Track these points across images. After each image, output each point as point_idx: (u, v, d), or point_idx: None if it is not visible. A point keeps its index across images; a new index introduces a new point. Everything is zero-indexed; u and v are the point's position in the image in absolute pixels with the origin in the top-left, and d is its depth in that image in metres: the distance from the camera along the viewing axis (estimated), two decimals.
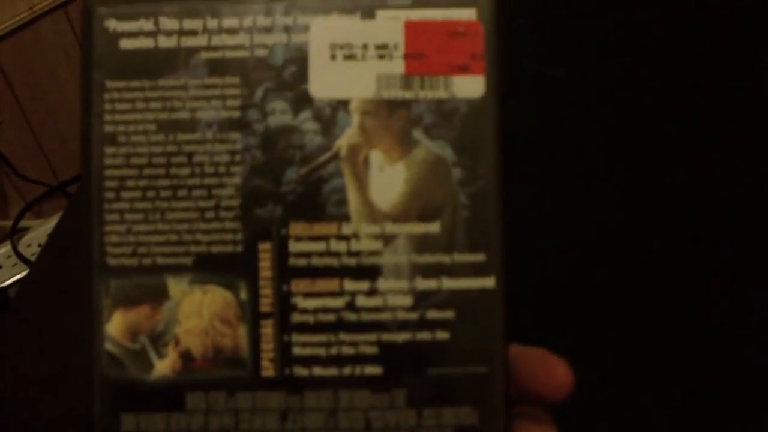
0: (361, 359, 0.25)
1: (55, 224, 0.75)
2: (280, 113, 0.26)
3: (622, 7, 0.69)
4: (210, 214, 0.26)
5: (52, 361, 0.59)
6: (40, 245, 1.03)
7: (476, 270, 0.26)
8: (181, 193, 0.26)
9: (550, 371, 0.26)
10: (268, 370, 0.26)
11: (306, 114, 0.26)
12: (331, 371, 0.25)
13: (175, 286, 0.26)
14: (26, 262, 1.00)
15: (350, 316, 0.26)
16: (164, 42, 0.26)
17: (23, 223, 1.09)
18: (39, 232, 1.06)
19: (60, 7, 1.02)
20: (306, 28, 0.26)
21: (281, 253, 0.26)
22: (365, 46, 0.26)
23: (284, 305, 0.26)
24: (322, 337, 0.26)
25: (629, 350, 0.53)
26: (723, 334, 0.53)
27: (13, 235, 1.06)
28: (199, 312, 0.26)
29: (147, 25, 0.27)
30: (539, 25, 0.69)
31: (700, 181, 0.60)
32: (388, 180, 0.26)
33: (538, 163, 0.61)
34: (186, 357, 0.26)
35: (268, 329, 0.26)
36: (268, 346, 0.26)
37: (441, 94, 0.26)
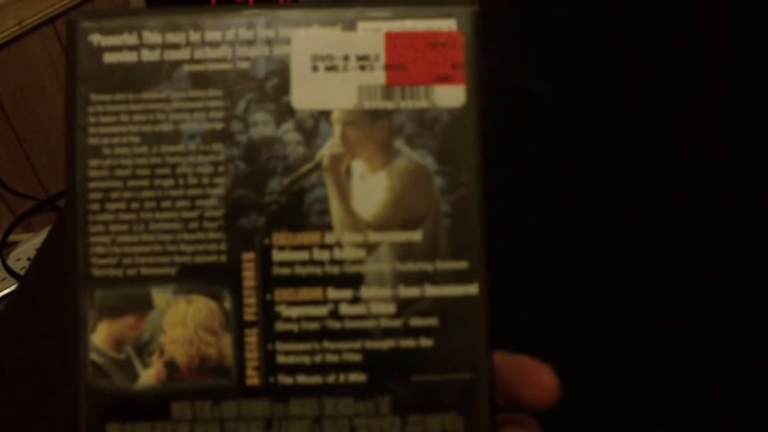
0: (345, 367, 0.26)
1: (45, 238, 0.75)
2: (262, 125, 0.26)
3: (608, 24, 0.70)
4: (194, 225, 0.26)
5: (42, 374, 0.59)
6: (29, 259, 1.03)
7: (459, 277, 0.26)
8: (165, 204, 0.26)
9: (536, 378, 0.26)
10: (252, 379, 0.26)
11: (288, 125, 0.26)
12: (316, 379, 0.26)
13: (160, 296, 0.26)
14: (15, 275, 1.00)
15: (334, 324, 0.26)
16: (147, 55, 0.27)
17: (12, 237, 1.09)
18: (28, 246, 1.06)
19: (48, 22, 1.02)
20: (288, 41, 0.27)
21: (265, 263, 0.26)
22: (346, 58, 0.26)
23: (268, 314, 0.26)
24: (306, 346, 0.26)
25: (624, 352, 0.53)
26: (722, 335, 0.53)
27: (2, 249, 1.06)
28: (183, 322, 0.26)
29: (130, 39, 0.27)
30: (525, 42, 0.69)
31: (690, 186, 0.61)
32: (370, 189, 0.26)
33: (525, 170, 0.62)
34: (171, 366, 0.26)
35: (252, 338, 0.26)
36: (252, 355, 0.26)
37: (422, 104, 0.26)
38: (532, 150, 0.62)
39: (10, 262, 1.03)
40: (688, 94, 0.65)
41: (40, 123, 1.06)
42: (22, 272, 1.00)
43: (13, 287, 0.99)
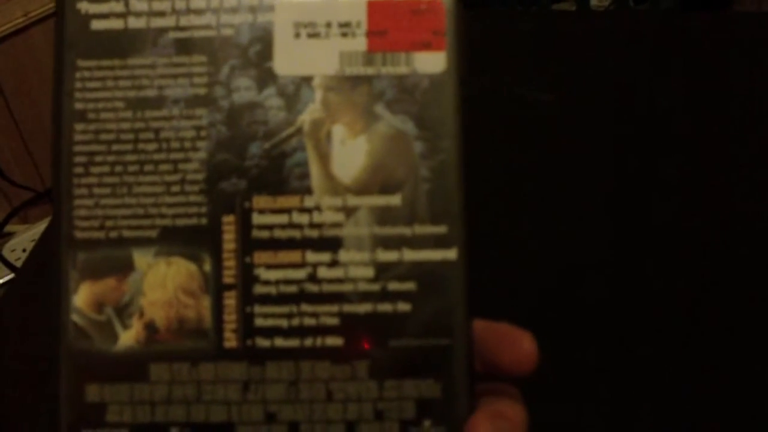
0: (322, 330, 0.26)
1: (44, 229, 0.75)
2: (245, 90, 0.27)
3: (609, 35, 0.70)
4: (175, 188, 0.26)
5: (37, 365, 0.59)
6: (24, 250, 1.03)
7: (437, 242, 0.26)
8: (148, 167, 0.27)
9: (515, 345, 0.26)
10: (230, 341, 0.26)
11: (270, 90, 0.27)
12: (293, 342, 0.26)
13: (141, 258, 0.26)
14: (10, 266, 1.01)
15: (312, 288, 0.26)
16: (134, 23, 0.27)
17: (9, 228, 1.09)
18: (24, 237, 1.06)
19: (54, 15, 1.03)
20: (271, 8, 0.27)
21: (245, 226, 0.26)
22: (329, 24, 0.27)
23: (247, 277, 0.26)
24: (284, 309, 0.26)
25: (623, 355, 0.53)
26: (723, 337, 0.53)
27: None
28: (163, 284, 0.26)
29: (117, 6, 0.27)
30: (526, 53, 0.70)
31: (690, 192, 0.61)
32: (350, 154, 0.26)
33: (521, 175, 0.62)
34: (150, 328, 0.26)
35: (231, 300, 0.26)
36: (230, 318, 0.26)
37: (402, 69, 0.26)
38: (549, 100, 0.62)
39: (6, 252, 1.04)
40: (688, 104, 0.66)
41: (41, 115, 1.07)
42: (17, 263, 1.01)
43: (8, 277, 0.99)
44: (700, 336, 0.54)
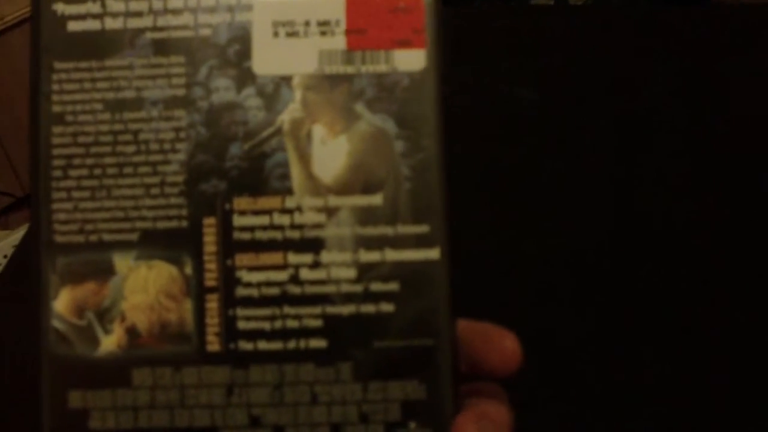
0: (305, 332, 0.26)
1: (23, 235, 0.75)
2: (223, 90, 0.26)
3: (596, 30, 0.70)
4: (155, 191, 0.26)
5: (18, 371, 0.59)
6: (5, 256, 1.03)
7: (420, 241, 0.26)
8: (127, 170, 0.26)
9: (498, 344, 0.26)
10: (213, 345, 0.26)
11: (249, 90, 0.26)
12: (276, 345, 0.26)
13: (121, 261, 0.26)
14: None
15: (294, 290, 0.26)
16: (111, 23, 0.27)
17: None
18: (4, 243, 1.06)
19: (30, 20, 1.02)
20: (249, 7, 0.27)
21: (225, 228, 0.26)
22: (307, 23, 0.26)
23: (229, 279, 0.26)
24: (266, 311, 0.26)
25: (625, 355, 0.53)
26: (724, 337, 0.53)
27: None
28: (144, 287, 0.26)
29: (94, 7, 0.27)
30: (512, 49, 0.69)
31: (681, 190, 0.61)
32: (331, 153, 0.26)
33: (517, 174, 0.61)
34: (132, 333, 0.26)
35: (213, 304, 0.26)
36: (213, 321, 0.26)
37: (382, 68, 0.26)
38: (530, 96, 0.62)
39: None
40: (670, 96, 0.65)
41: (19, 120, 1.06)
42: None
43: None
44: (701, 333, 0.53)
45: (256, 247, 0.26)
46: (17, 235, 1.05)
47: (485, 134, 0.61)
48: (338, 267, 0.26)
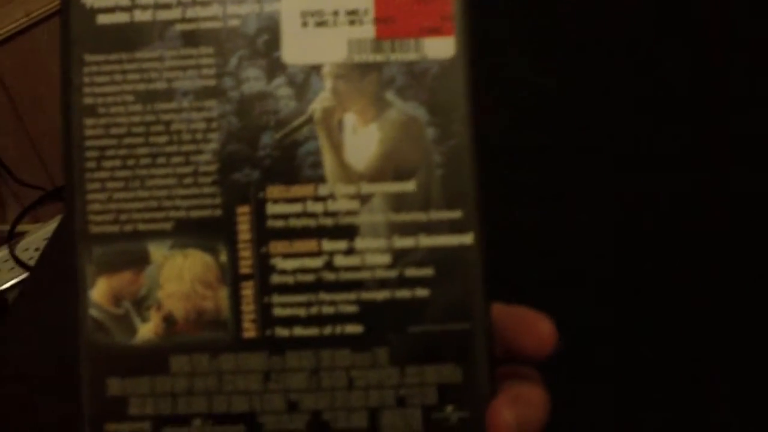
0: (341, 318, 0.26)
1: (56, 227, 0.75)
2: (254, 80, 0.27)
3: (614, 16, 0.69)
4: (188, 180, 0.26)
5: (53, 363, 0.59)
6: (37, 249, 1.03)
7: (453, 227, 0.26)
8: (160, 160, 0.27)
9: (533, 328, 0.26)
10: (249, 332, 0.26)
11: (279, 80, 0.26)
12: (312, 331, 0.26)
13: (157, 251, 0.26)
14: (24, 266, 1.01)
15: (329, 276, 0.26)
16: (140, 16, 0.27)
17: (20, 228, 1.09)
18: (36, 236, 1.06)
19: (56, 14, 1.03)
20: None
21: (259, 216, 0.26)
22: (336, 13, 0.27)
23: (263, 267, 0.26)
24: (301, 298, 0.26)
25: (629, 353, 0.53)
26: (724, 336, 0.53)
27: (11, 239, 1.07)
28: (180, 276, 0.26)
29: (123, 0, 0.27)
30: (529, 35, 0.69)
31: (695, 181, 0.61)
32: (362, 141, 0.26)
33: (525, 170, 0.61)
34: (168, 320, 0.26)
35: (248, 291, 0.26)
36: (248, 308, 0.26)
37: (412, 56, 0.26)
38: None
39: (19, 252, 1.04)
40: (691, 92, 0.65)
41: (47, 113, 1.07)
42: (30, 262, 1.01)
43: (21, 277, 0.99)
44: (700, 331, 0.53)
45: (290, 234, 0.26)
46: (49, 228, 1.06)
47: (499, 119, 0.61)
48: (372, 253, 0.26)
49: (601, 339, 0.53)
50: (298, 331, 0.26)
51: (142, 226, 0.26)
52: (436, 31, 0.26)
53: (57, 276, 0.68)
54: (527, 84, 0.65)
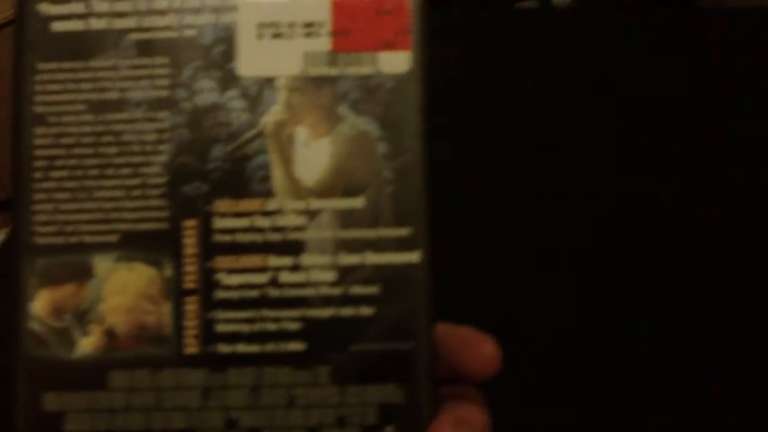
0: (284, 335, 0.25)
1: (3, 238, 0.75)
2: (207, 91, 0.26)
3: None
4: (136, 192, 0.26)
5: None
6: None
7: (400, 245, 0.25)
8: (109, 171, 0.26)
9: (477, 349, 0.26)
10: (191, 347, 0.25)
11: (233, 92, 0.26)
12: (254, 348, 0.25)
13: (101, 263, 0.26)
14: None
15: (274, 292, 0.25)
16: (95, 24, 0.27)
17: None
18: None
19: (12, 23, 1.03)
20: (234, 8, 0.26)
21: (206, 230, 0.26)
22: (292, 25, 0.26)
23: (208, 282, 0.25)
24: (245, 314, 0.25)
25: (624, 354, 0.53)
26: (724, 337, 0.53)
27: None
28: (124, 289, 0.26)
29: (78, 7, 0.27)
30: (493, 51, 0.69)
31: (683, 189, 0.60)
32: (313, 156, 0.26)
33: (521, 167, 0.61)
34: (110, 335, 0.25)
35: (191, 306, 0.25)
36: (191, 323, 0.25)
37: (367, 70, 0.26)
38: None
39: None
40: (654, 99, 0.65)
41: (2, 122, 1.06)
42: None
43: None
44: (700, 331, 0.53)
45: (237, 249, 0.26)
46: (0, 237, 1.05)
47: (474, 134, 0.61)
48: (318, 270, 0.25)
49: (601, 339, 0.53)
50: (241, 347, 0.25)
51: (87, 238, 0.26)
52: (391, 46, 0.26)
53: (3, 286, 0.67)
54: (500, 97, 0.65)
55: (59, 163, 0.26)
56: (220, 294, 0.25)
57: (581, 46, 0.66)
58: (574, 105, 0.64)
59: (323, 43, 0.26)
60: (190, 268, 0.26)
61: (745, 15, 0.69)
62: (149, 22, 0.27)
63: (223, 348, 0.25)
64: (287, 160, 0.26)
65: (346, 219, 0.25)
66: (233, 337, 0.25)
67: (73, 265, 0.26)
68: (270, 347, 0.25)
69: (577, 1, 1.01)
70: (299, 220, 0.25)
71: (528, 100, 0.63)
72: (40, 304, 0.26)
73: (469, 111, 0.61)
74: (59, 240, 0.26)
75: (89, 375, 0.25)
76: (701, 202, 0.59)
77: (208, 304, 0.25)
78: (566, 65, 0.65)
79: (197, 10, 0.26)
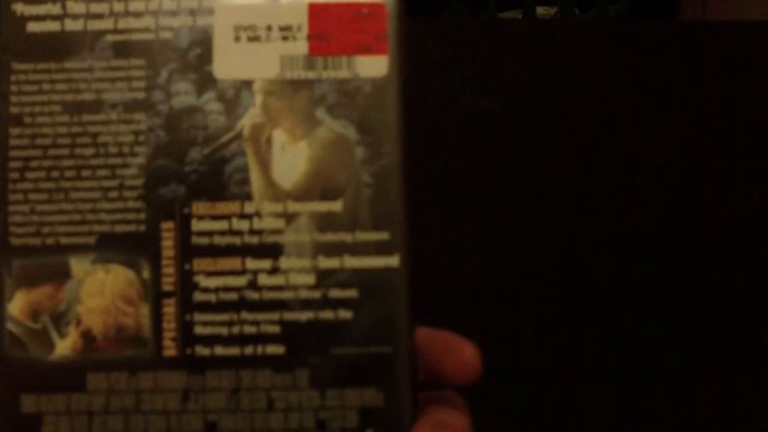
0: (263, 338, 0.25)
1: None
2: (184, 94, 0.26)
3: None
4: (113, 194, 0.26)
5: None
6: None
7: (379, 248, 0.26)
8: (85, 173, 0.26)
9: (457, 353, 0.26)
10: (169, 350, 0.25)
11: (210, 95, 0.26)
12: (233, 350, 0.25)
13: (78, 265, 0.26)
14: None
15: (252, 295, 0.26)
16: (71, 25, 0.27)
17: None
18: None
19: None
20: (211, 11, 0.26)
21: (184, 232, 0.26)
22: (269, 28, 0.26)
23: (186, 284, 0.26)
24: (224, 316, 0.26)
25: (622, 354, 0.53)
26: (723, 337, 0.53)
27: None
28: (101, 291, 0.26)
29: (54, 8, 0.27)
30: (475, 60, 0.70)
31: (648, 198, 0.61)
32: (291, 159, 0.26)
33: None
34: (87, 336, 0.26)
35: (170, 308, 0.26)
36: (169, 326, 0.26)
37: (344, 74, 0.26)
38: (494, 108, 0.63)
39: None
40: (634, 111, 0.66)
41: None
42: None
43: None
44: (698, 334, 0.54)
45: (215, 252, 0.26)
46: None
47: (446, 144, 0.61)
48: (296, 273, 0.26)
49: (601, 339, 0.54)
50: (219, 350, 0.25)
51: (64, 240, 0.26)
52: (369, 50, 0.26)
53: None
54: (472, 107, 0.65)
55: (35, 163, 0.26)
56: (199, 296, 0.26)
57: (564, 57, 0.66)
58: (557, 115, 0.64)
59: (300, 47, 0.26)
60: (168, 270, 0.26)
61: (727, 28, 0.70)
62: (126, 24, 0.26)
63: (202, 350, 0.25)
64: (265, 163, 0.26)
65: (324, 222, 0.26)
66: (212, 340, 0.25)
67: (50, 266, 0.26)
68: (249, 350, 0.25)
69: (560, 12, 1.01)
70: (277, 223, 0.26)
71: (510, 110, 0.64)
72: (17, 305, 0.26)
73: (451, 119, 0.61)
74: (36, 241, 0.26)
75: (67, 377, 0.25)
76: (701, 202, 0.60)
77: (187, 306, 0.26)
78: (549, 76, 0.65)
79: (174, 13, 0.26)
